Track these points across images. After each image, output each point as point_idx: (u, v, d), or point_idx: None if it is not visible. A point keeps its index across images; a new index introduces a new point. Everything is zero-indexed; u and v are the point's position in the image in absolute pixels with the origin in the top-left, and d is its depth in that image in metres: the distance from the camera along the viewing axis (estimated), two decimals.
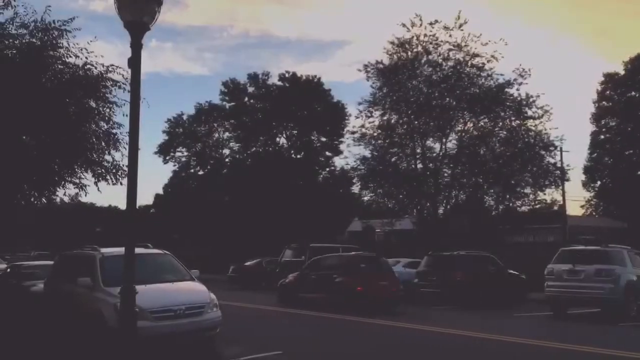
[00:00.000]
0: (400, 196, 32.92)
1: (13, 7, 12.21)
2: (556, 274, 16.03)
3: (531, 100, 29.72)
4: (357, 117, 32.58)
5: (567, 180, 34.05)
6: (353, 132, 32.87)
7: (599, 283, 15.06)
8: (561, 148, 32.52)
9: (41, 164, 13.08)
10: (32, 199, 14.90)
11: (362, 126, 31.95)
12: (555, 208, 43.15)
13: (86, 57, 12.83)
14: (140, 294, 6.93)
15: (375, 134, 31.81)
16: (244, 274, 30.19)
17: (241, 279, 30.08)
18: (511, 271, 20.96)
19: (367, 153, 32.25)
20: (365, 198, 37.40)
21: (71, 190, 14.75)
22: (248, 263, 31.14)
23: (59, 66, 12.78)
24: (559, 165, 31.99)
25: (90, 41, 13.01)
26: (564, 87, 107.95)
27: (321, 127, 51.56)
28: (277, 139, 52.84)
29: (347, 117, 49.48)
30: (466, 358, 9.93)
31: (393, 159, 32.07)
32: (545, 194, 31.77)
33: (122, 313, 6.69)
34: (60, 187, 14.41)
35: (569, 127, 62.17)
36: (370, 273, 17.35)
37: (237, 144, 53.82)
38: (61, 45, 12.64)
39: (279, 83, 52.17)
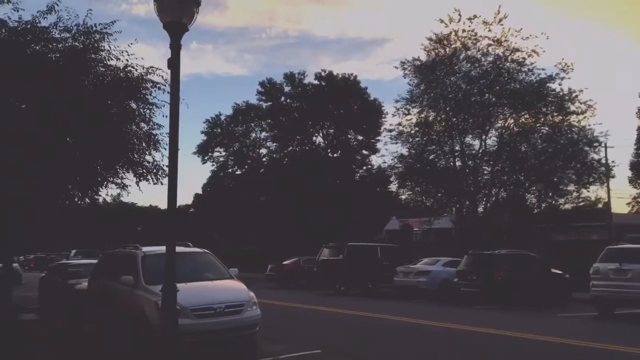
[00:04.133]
0: (439, 194, 32.58)
1: (56, 11, 12.48)
2: (602, 273, 15.56)
3: (574, 95, 29.06)
4: (394, 115, 32.43)
5: (612, 177, 33.26)
6: (390, 130, 32.73)
7: None
8: (605, 144, 31.71)
9: (84, 165, 13.34)
10: (76, 199, 15.25)
11: (399, 124, 31.77)
12: (600, 206, 41.98)
13: (127, 60, 13.02)
14: (181, 292, 7.00)
15: (412, 132, 31.56)
16: (282, 273, 30.36)
17: (279, 277, 30.26)
18: (554, 270, 20.47)
19: (404, 151, 32.07)
20: (403, 196, 37.21)
21: (113, 190, 15.02)
22: (286, 262, 31.29)
23: (101, 69, 13.00)
24: (603, 161, 31.18)
25: (131, 44, 13.18)
26: (608, 80, 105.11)
27: (358, 126, 51.42)
28: (314, 138, 52.97)
29: (384, 115, 49.31)
30: (513, 358, 9.73)
31: (431, 157, 31.76)
32: (589, 191, 30.99)
33: (163, 310, 6.77)
34: (103, 187, 14.69)
35: (615, 122, 60.72)
36: None
37: (274, 144, 54.16)
38: (102, 48, 12.85)
39: (315, 82, 52.26)
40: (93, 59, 12.80)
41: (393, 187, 40.17)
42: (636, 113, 51.27)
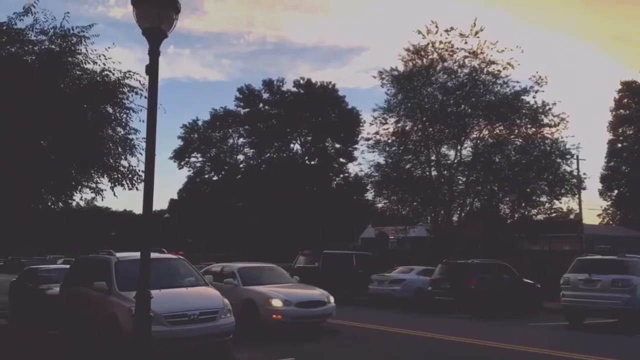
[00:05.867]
0: (414, 203, 32.80)
1: (33, 13, 12.34)
2: (572, 283, 15.85)
3: (547, 108, 29.52)
4: (371, 124, 32.61)
5: (584, 188, 33.83)
6: (367, 139, 32.90)
7: (615, 293, 14.86)
8: (577, 156, 32.29)
9: (59, 169, 13.20)
10: (50, 203, 15.04)
11: (377, 133, 31.96)
12: (572, 217, 42.76)
13: (104, 64, 12.92)
14: (155, 298, 6.98)
15: (389, 141, 31.77)
16: None
17: None
18: (526, 280, 20.77)
19: (381, 160, 32.24)
20: (379, 205, 37.33)
21: (88, 194, 14.82)
22: None
23: (77, 72, 12.88)
24: (575, 173, 31.73)
25: (108, 47, 13.10)
26: (581, 94, 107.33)
27: (335, 134, 51.67)
28: (292, 145, 53.09)
29: (361, 124, 49.59)
30: None
31: (407, 166, 31.98)
32: (561, 203, 31.50)
33: (137, 317, 6.73)
34: (77, 192, 14.50)
35: (586, 135, 62.32)
36: None
37: (252, 150, 54.15)
38: (79, 51, 12.74)
39: (294, 89, 52.46)
40: (70, 62, 12.69)
41: (369, 195, 40.31)
42: (607, 126, 52.57)
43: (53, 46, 12.60)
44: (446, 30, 29.75)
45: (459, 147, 31.06)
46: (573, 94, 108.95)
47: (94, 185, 14.22)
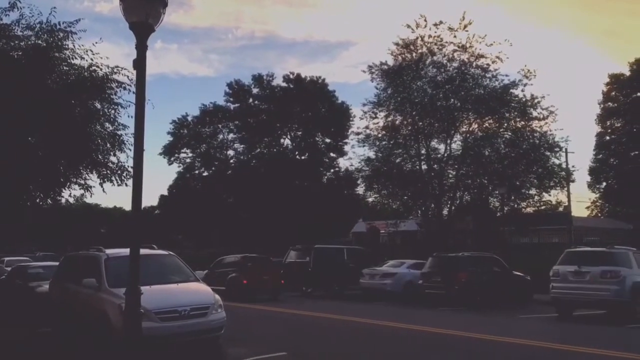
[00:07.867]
0: (405, 197, 32.89)
1: (19, 8, 12.26)
2: (561, 275, 15.96)
3: (536, 101, 29.67)
4: (361, 118, 32.68)
5: (572, 181, 34.06)
6: (357, 133, 32.95)
7: (604, 284, 14.97)
8: (566, 149, 32.49)
9: (47, 165, 13.13)
10: (38, 200, 14.96)
11: (367, 127, 32.00)
12: (561, 209, 43.03)
13: (91, 59, 12.90)
14: (145, 294, 6.95)
15: (379, 135, 31.83)
16: None
17: None
18: (516, 272, 20.91)
19: (371, 154, 32.29)
20: (370, 199, 37.42)
21: (76, 191, 14.79)
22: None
23: (65, 68, 12.82)
24: (564, 166, 31.94)
25: (96, 43, 13.07)
26: (569, 87, 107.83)
27: (326, 128, 51.63)
28: (282, 140, 53.01)
29: (351, 118, 49.62)
30: (474, 358, 9.91)
31: (397, 160, 32.05)
32: (550, 195, 31.68)
33: (127, 314, 6.70)
34: (66, 188, 14.47)
35: (575, 128, 62.92)
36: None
37: (242, 145, 53.99)
38: (66, 46, 12.69)
39: (284, 84, 52.34)
40: (57, 57, 12.62)
41: (360, 189, 40.39)
42: (595, 119, 52.94)
43: (39, 41, 12.53)
44: (435, 24, 29.81)
45: (448, 141, 31.17)
46: (562, 87, 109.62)
47: (82, 181, 14.20)
